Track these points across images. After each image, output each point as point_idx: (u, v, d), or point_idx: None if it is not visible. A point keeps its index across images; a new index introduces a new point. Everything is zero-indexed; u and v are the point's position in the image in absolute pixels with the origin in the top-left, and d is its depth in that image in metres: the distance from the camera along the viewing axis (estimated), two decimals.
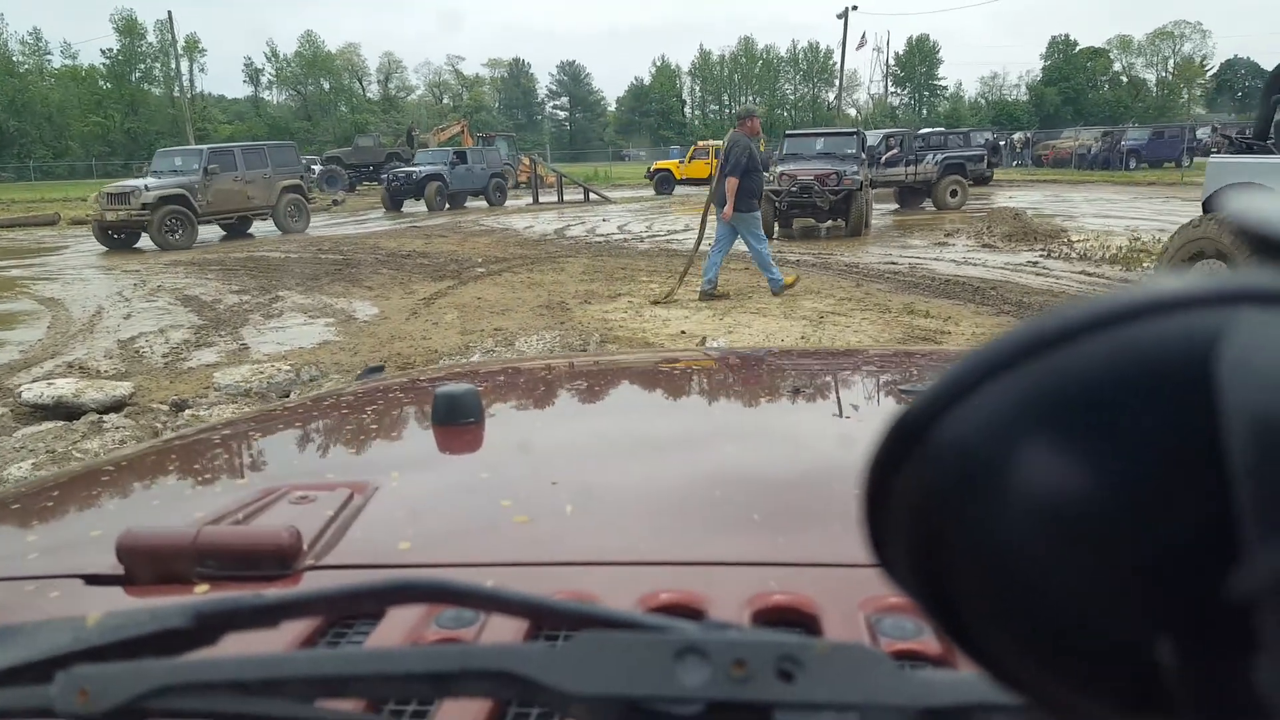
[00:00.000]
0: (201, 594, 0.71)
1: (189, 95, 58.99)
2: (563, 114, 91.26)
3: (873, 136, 19.55)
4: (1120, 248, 11.55)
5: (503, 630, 0.64)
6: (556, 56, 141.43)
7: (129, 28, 67.38)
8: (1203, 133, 37.19)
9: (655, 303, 8.51)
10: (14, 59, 63.84)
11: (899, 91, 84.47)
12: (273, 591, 0.47)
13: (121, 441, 4.62)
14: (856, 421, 1.25)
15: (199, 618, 0.43)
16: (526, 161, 30.77)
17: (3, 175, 52.83)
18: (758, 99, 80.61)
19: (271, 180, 17.64)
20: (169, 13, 50.07)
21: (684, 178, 29.09)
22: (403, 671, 0.39)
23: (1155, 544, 0.22)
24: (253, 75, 78.90)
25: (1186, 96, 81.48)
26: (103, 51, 68.22)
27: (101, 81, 66.90)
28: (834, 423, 1.29)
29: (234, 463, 1.21)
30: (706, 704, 0.36)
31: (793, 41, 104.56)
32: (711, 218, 8.63)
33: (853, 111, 69.34)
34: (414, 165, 24.89)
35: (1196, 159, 34.74)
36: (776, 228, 13.99)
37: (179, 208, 15.68)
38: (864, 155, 15.19)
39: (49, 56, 67.89)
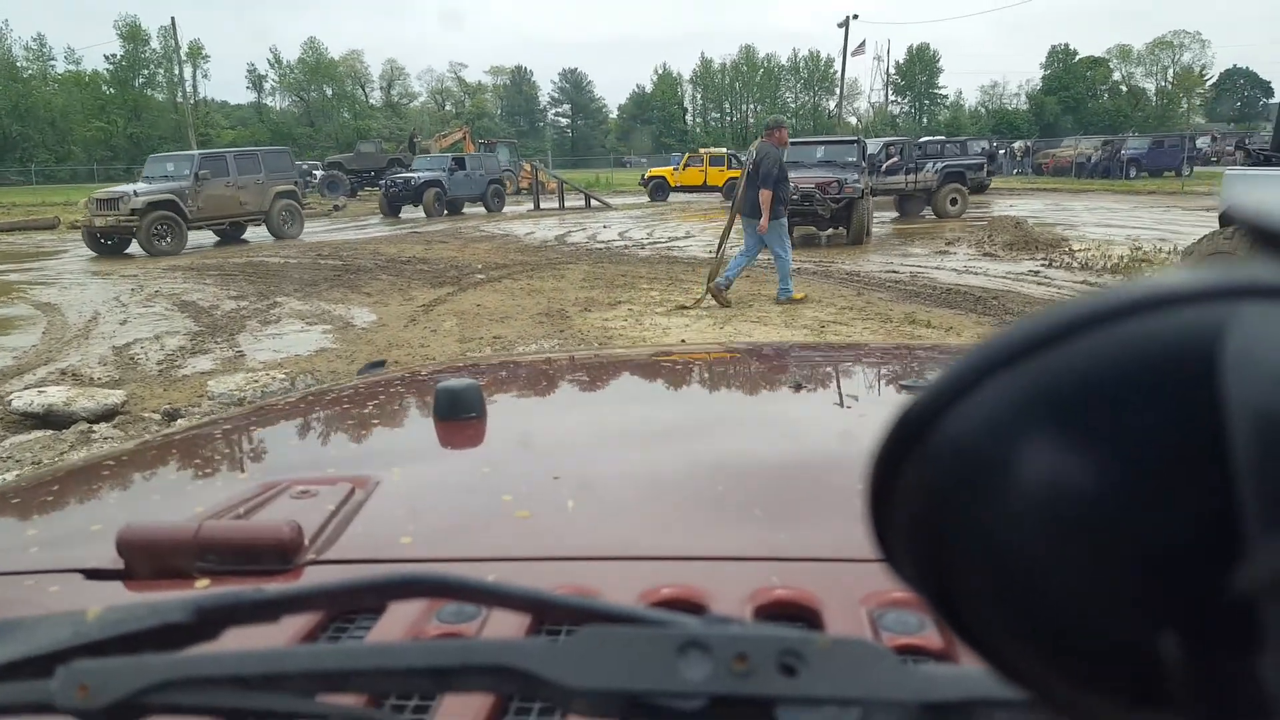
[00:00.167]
0: (202, 589, 0.71)
1: (192, 101, 59.05)
2: (564, 121, 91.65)
3: (873, 145, 19.56)
4: (1122, 257, 11.59)
5: (504, 625, 0.64)
6: (559, 64, 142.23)
7: (133, 33, 67.71)
8: (1202, 142, 37.32)
9: (682, 308, 8.55)
10: (18, 64, 64.14)
11: (899, 100, 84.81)
12: (274, 586, 0.47)
13: None
14: (858, 416, 1.25)
15: (200, 612, 0.43)
16: (528, 167, 30.83)
17: (5, 179, 52.96)
18: (759, 107, 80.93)
19: (265, 185, 17.50)
20: (172, 19, 50.30)
21: (679, 185, 29.09)
22: (404, 666, 0.39)
23: (1158, 540, 0.21)
24: (256, 81, 79.24)
25: (1186, 106, 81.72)
26: (106, 57, 68.66)
27: (105, 87, 67.19)
28: (835, 417, 1.28)
29: (235, 457, 1.21)
30: (708, 698, 0.36)
31: (794, 50, 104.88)
32: (734, 224, 8.69)
33: (853, 120, 69.52)
34: (412, 171, 24.85)
35: (1196, 168, 34.85)
36: None
37: (168, 213, 15.55)
38: (864, 163, 15.21)
39: (53, 62, 68.37)
